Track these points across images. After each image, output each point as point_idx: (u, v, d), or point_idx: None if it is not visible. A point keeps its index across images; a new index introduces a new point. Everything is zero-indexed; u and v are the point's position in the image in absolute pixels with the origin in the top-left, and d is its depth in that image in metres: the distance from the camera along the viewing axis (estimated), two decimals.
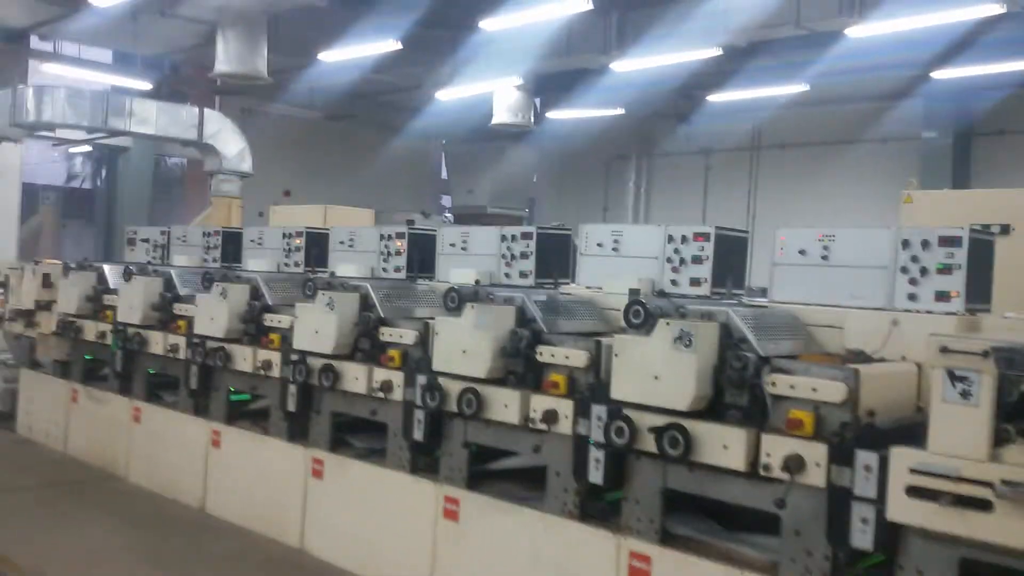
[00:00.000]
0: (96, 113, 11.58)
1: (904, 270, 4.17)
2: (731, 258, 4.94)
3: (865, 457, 3.40)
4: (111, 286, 7.63)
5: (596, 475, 4.20)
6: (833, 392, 3.54)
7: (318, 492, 5.65)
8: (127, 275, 7.19)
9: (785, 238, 4.50)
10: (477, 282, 5.41)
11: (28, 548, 5.52)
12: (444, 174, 21.24)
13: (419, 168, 20.85)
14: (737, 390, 3.78)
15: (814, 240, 4.42)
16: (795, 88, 14.00)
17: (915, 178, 8.76)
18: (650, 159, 18.71)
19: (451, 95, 14.78)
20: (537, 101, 15.34)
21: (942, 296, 4.08)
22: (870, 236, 4.33)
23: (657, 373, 3.89)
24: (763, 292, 5.26)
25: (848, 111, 15.20)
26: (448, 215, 19.74)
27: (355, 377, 5.38)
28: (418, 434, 5.00)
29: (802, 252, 4.44)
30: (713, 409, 3.87)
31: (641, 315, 4.04)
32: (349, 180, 17.68)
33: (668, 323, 3.89)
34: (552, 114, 16.60)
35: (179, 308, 6.81)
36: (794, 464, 3.54)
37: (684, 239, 4.93)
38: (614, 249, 5.31)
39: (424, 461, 5.17)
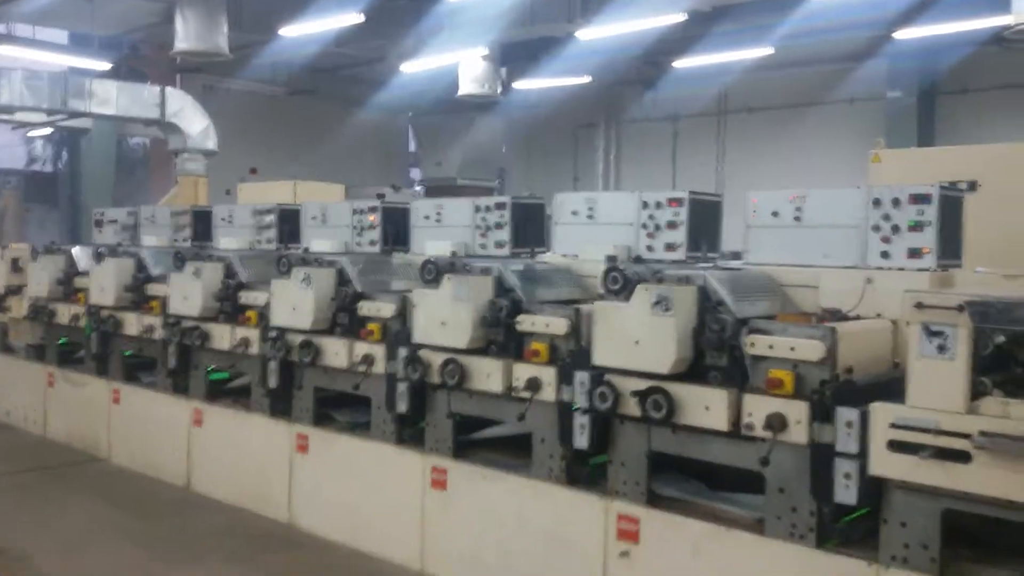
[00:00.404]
0: (55, 95, 11.40)
1: (876, 228, 4.24)
2: (705, 222, 4.99)
3: (846, 414, 3.48)
4: (81, 269, 7.56)
5: (581, 440, 4.26)
6: (811, 351, 3.61)
7: (304, 467, 5.67)
8: (98, 257, 7.12)
9: (757, 200, 4.55)
10: (453, 254, 5.42)
11: (13, 532, 5.51)
12: (412, 147, 21.14)
13: (387, 141, 20.71)
14: (717, 352, 3.84)
15: (786, 202, 4.47)
16: (760, 51, 14.04)
17: (881, 137, 8.84)
18: (618, 126, 18.73)
19: (416, 67, 14.67)
20: (503, 71, 15.26)
21: (914, 253, 4.16)
22: (841, 196, 4.39)
23: (637, 338, 3.95)
24: (735, 256, 5.33)
25: (813, 73, 15.30)
26: (418, 188, 19.67)
27: (335, 352, 5.39)
28: (402, 406, 5.03)
29: (775, 214, 4.49)
30: (694, 372, 3.93)
31: (619, 281, 4.08)
32: (316, 155, 17.54)
33: (646, 288, 3.93)
34: (519, 84, 16.52)
35: (152, 288, 6.76)
36: (776, 423, 3.61)
37: (658, 205, 4.97)
38: (589, 217, 5.33)
39: (409, 432, 5.20)
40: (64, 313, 7.57)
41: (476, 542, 4.77)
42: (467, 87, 14.09)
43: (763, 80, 15.52)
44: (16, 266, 8.16)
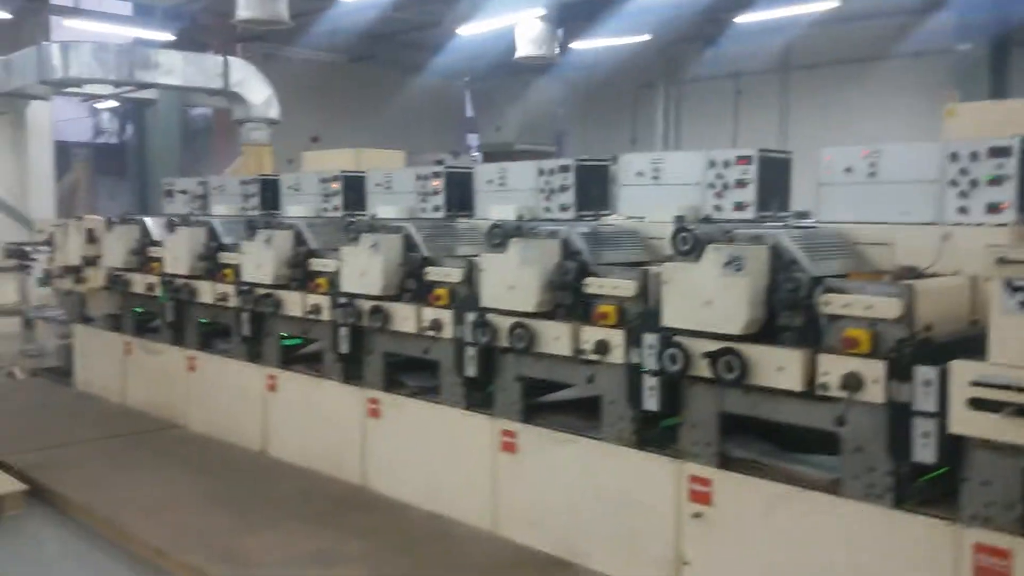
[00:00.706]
0: (122, 66, 11.58)
1: (953, 183, 4.14)
2: (775, 181, 4.92)
3: (924, 372, 3.43)
4: (155, 238, 7.74)
5: (651, 402, 4.27)
6: (889, 309, 3.55)
7: (376, 431, 5.78)
8: (171, 226, 7.29)
9: (831, 157, 4.47)
10: (520, 217, 5.43)
11: (100, 496, 5.73)
12: (470, 112, 21.11)
13: (444, 107, 20.72)
14: (790, 311, 3.80)
15: (860, 157, 4.39)
16: (825, 5, 13.67)
17: (955, 91, 8.56)
18: (678, 86, 18.42)
19: (472, 30, 14.60)
20: (560, 32, 15.12)
21: (993, 208, 4.06)
22: (917, 151, 4.30)
23: (708, 299, 3.92)
24: (800, 215, 5.25)
25: (879, 26, 14.84)
26: (475, 153, 19.67)
27: (404, 317, 5.47)
28: (470, 370, 5.09)
29: (848, 170, 4.41)
30: (765, 332, 3.90)
31: (689, 242, 4.05)
32: (374, 122, 17.66)
33: (717, 248, 3.90)
34: (576, 44, 16.35)
35: (225, 257, 6.91)
36: (852, 382, 3.57)
37: (726, 163, 4.91)
38: (654, 178, 5.30)
39: (478, 396, 5.27)
40: (139, 283, 7.77)
41: (546, 504, 4.83)
42: (524, 49, 13.99)
43: (828, 34, 15.12)
44: (91, 237, 8.38)
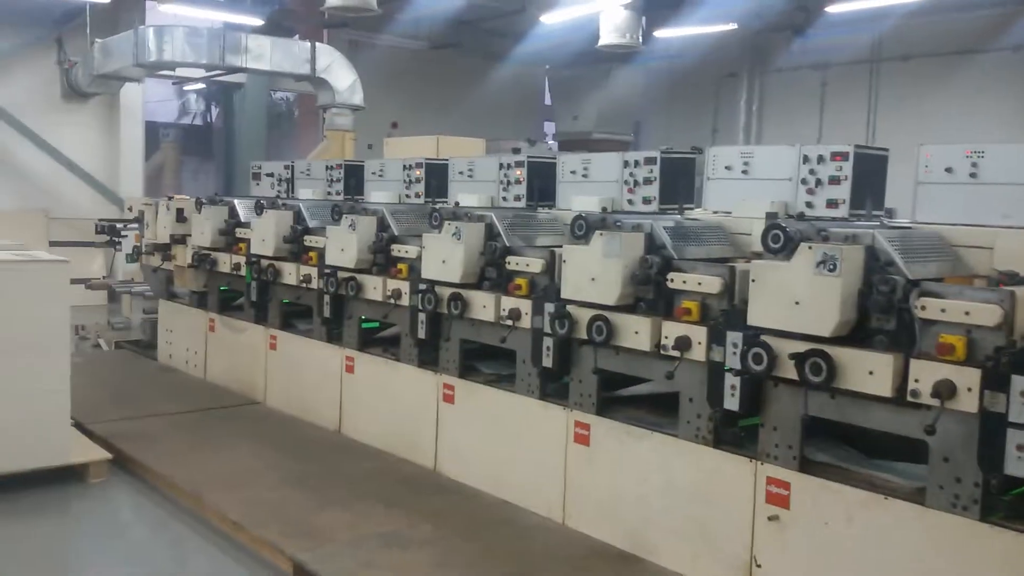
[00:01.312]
0: (213, 50, 11.83)
1: None
2: (870, 178, 4.78)
3: (1022, 382, 3.29)
4: (242, 219, 7.90)
5: (732, 402, 4.19)
6: (987, 315, 3.42)
7: (450, 416, 5.82)
8: (259, 208, 7.43)
9: (930, 155, 4.32)
10: (604, 209, 5.39)
11: (183, 469, 5.88)
12: (548, 100, 21.03)
13: (522, 95, 20.68)
14: (883, 315, 3.69)
15: (961, 156, 4.24)
16: None
17: None
18: (762, 76, 18.02)
19: (556, 18, 14.52)
20: (643, 20, 14.94)
21: None
22: (1021, 152, 4.13)
23: (798, 298, 3.83)
24: (888, 213, 5.10)
25: (975, 18, 14.29)
26: (552, 142, 19.61)
27: (483, 305, 5.48)
28: (547, 361, 5.07)
29: (948, 170, 4.26)
30: (853, 334, 3.80)
31: (781, 239, 3.96)
32: (452, 109, 17.72)
33: (810, 247, 3.81)
34: (660, 32, 16.13)
35: (309, 240, 7.02)
36: (945, 390, 3.45)
37: (820, 159, 4.79)
38: (744, 172, 5.20)
39: (552, 387, 5.25)
40: (225, 262, 7.96)
41: (617, 498, 4.80)
42: (608, 37, 13.84)
43: (921, 26, 14.62)
44: (181, 216, 8.60)
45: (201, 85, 20.58)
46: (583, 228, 4.85)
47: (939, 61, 15.00)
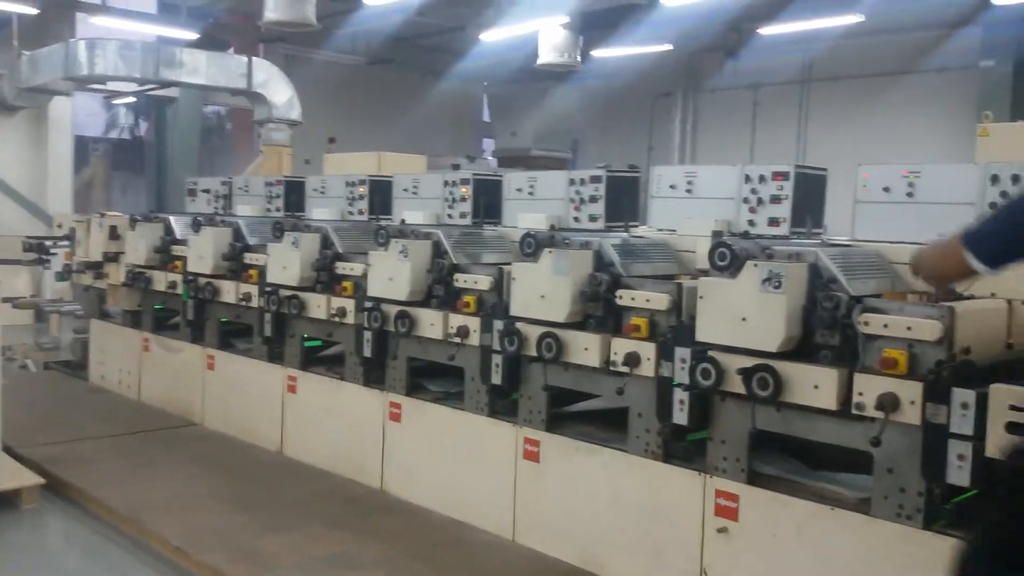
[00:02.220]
0: (147, 64, 11.63)
1: (993, 205, 4.11)
2: (810, 197, 4.90)
3: (962, 395, 3.41)
4: (178, 237, 7.74)
5: (681, 416, 4.24)
6: (929, 330, 3.53)
7: (396, 435, 5.77)
8: (196, 226, 7.29)
9: (868, 175, 4.45)
10: (552, 227, 5.42)
11: (120, 493, 5.71)
12: (486, 117, 21.13)
13: (461, 112, 20.75)
14: (828, 330, 3.77)
15: (898, 176, 4.37)
16: (850, 19, 13.65)
17: (988, 110, 8.53)
18: (696, 96, 18.42)
19: (495, 36, 14.61)
20: (581, 39, 15.13)
21: None
22: (956, 172, 4.28)
23: (745, 315, 3.90)
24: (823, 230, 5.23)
25: (903, 41, 14.81)
26: (491, 158, 19.68)
27: (431, 323, 5.45)
28: (496, 378, 5.07)
29: (886, 189, 4.39)
30: (799, 350, 3.88)
31: (727, 257, 4.03)
32: (391, 126, 17.67)
33: (756, 264, 3.88)
34: (597, 52, 16.35)
35: (249, 257, 6.91)
36: (889, 402, 3.55)
37: (762, 179, 4.90)
38: (687, 191, 5.28)
39: (501, 404, 5.25)
40: (161, 280, 7.77)
41: (568, 514, 4.81)
42: (547, 56, 14.00)
43: (850, 48, 15.08)
44: (114, 233, 8.39)
45: (131, 99, 20.16)
46: (532, 246, 4.87)
47: (868, 82, 15.49)
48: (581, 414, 5.21)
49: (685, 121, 18.53)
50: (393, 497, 5.74)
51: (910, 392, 3.54)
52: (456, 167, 9.95)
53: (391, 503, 5.67)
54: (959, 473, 3.45)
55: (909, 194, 4.32)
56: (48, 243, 10.08)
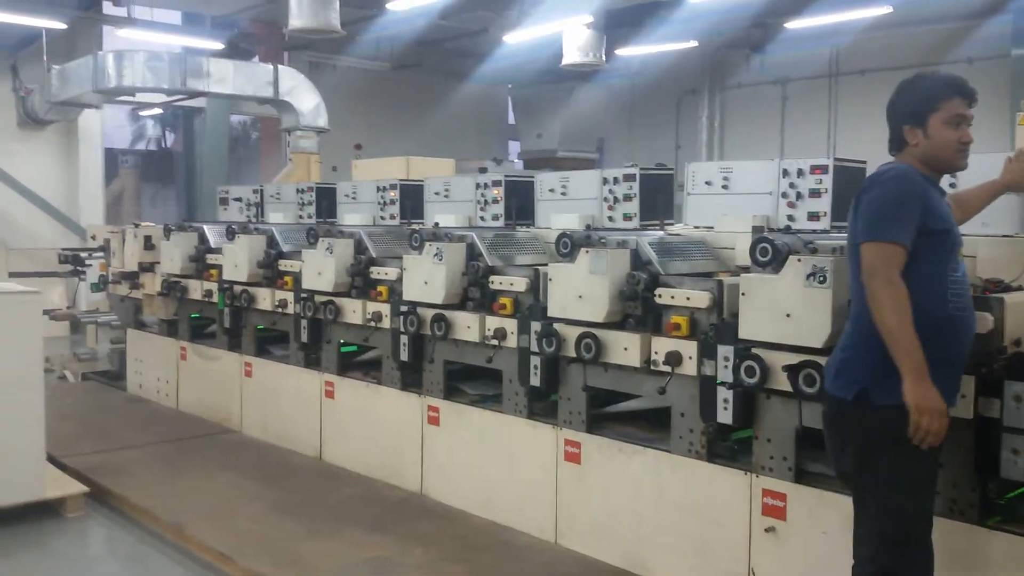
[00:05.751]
0: (175, 75, 11.68)
1: None
2: (850, 190, 4.80)
3: (1015, 387, 3.34)
4: (213, 245, 7.79)
5: (725, 415, 4.20)
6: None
7: (435, 438, 5.77)
8: (230, 234, 7.33)
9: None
10: (588, 227, 5.39)
11: (162, 500, 5.75)
12: (511, 119, 21.12)
13: (486, 114, 20.74)
14: None
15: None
16: (877, 11, 13.49)
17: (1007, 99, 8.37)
18: (723, 92, 18.27)
19: (519, 37, 14.57)
20: (605, 39, 15.07)
21: None
22: (995, 161, 4.19)
23: (789, 311, 3.85)
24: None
25: (932, 32, 14.62)
26: (517, 160, 19.65)
27: (467, 326, 5.44)
28: (535, 380, 5.04)
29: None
30: None
31: (769, 252, 3.98)
32: (416, 130, 17.69)
33: (799, 259, 3.84)
34: (622, 51, 16.27)
35: (284, 264, 6.93)
36: None
37: (800, 172, 4.83)
38: (724, 187, 5.23)
39: (540, 406, 5.23)
40: (196, 289, 7.83)
41: (611, 516, 4.78)
42: (571, 56, 13.94)
43: (878, 40, 14.91)
44: (149, 244, 8.46)
45: (158, 110, 20.36)
46: (568, 246, 4.84)
47: (896, 74, 15.15)
48: (620, 415, 5.18)
49: (712, 118, 18.37)
50: (432, 501, 5.73)
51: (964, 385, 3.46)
52: (483, 170, 9.95)
53: (431, 507, 5.66)
54: (1014, 468, 3.37)
55: (952, 185, 4.24)
56: (83, 255, 10.19)
